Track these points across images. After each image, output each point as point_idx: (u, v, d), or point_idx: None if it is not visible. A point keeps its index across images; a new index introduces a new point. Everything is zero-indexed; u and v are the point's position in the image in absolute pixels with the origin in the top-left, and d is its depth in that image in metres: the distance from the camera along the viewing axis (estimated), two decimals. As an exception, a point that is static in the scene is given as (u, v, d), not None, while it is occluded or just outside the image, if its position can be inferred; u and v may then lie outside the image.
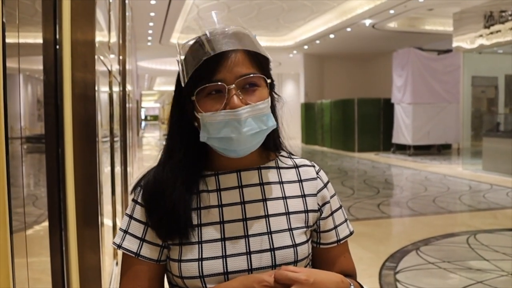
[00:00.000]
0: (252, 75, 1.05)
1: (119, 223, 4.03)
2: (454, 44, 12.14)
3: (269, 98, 1.10)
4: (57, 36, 1.69)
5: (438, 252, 5.02)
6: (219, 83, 1.03)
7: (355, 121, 17.17)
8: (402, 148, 16.07)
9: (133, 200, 1.14)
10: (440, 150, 16.19)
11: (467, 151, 12.71)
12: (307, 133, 21.19)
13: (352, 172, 12.17)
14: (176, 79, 1.13)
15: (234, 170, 1.14)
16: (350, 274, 1.23)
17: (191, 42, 1.09)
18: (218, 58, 1.04)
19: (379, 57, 21.68)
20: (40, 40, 1.50)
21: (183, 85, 1.08)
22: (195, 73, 1.05)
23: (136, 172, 11.21)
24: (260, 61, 1.09)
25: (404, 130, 15.55)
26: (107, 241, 2.53)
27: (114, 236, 3.38)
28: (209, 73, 1.04)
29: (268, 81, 1.10)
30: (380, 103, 17.29)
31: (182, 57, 1.10)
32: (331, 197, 1.21)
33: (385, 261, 4.74)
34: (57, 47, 1.70)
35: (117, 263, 3.35)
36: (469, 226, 6.33)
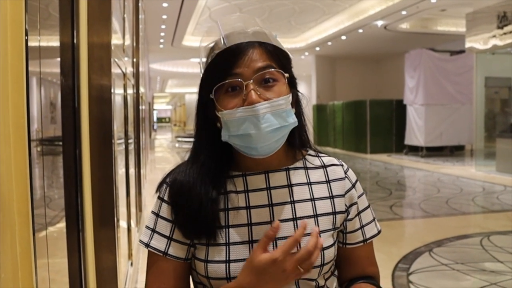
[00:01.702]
0: (269, 69, 1.04)
1: (133, 225, 4.07)
2: (467, 45, 12.05)
3: (290, 95, 1.08)
4: (75, 40, 1.71)
5: (451, 254, 4.99)
6: (237, 79, 1.03)
7: (367, 123, 17.10)
8: (414, 150, 15.98)
9: (159, 197, 1.14)
10: (453, 152, 16.07)
11: (480, 153, 12.60)
12: (319, 135, 21.13)
13: (365, 173, 12.13)
14: (200, 82, 1.12)
15: (262, 171, 1.13)
16: (373, 276, 1.23)
17: (211, 45, 1.09)
18: (235, 53, 1.03)
19: (391, 58, 21.58)
20: (53, 43, 1.52)
21: (200, 77, 1.08)
22: (212, 70, 1.05)
23: (149, 174, 11.24)
24: (279, 57, 1.08)
25: (416, 132, 15.46)
26: (123, 242, 2.56)
27: (129, 237, 3.41)
28: (226, 69, 1.03)
29: (286, 75, 1.08)
30: (392, 104, 17.21)
31: (204, 59, 1.10)
32: (359, 197, 1.19)
33: (398, 262, 4.73)
34: (74, 50, 1.73)
35: (131, 264, 3.38)
36: (482, 227, 6.28)
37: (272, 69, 1.05)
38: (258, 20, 1.13)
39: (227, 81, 1.03)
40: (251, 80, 1.02)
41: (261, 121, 1.01)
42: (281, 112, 1.04)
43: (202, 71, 1.09)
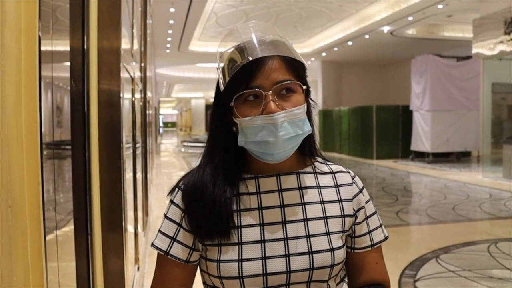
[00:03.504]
0: (288, 81, 1.09)
1: (140, 229, 4.08)
2: (474, 51, 12.02)
3: (305, 104, 1.13)
4: (85, 45, 1.72)
5: (458, 261, 4.97)
6: (257, 89, 1.07)
7: (373, 128, 17.07)
8: (421, 156, 15.93)
9: (170, 200, 1.19)
10: (460, 158, 16.02)
11: (487, 159, 12.55)
12: (325, 140, 21.12)
13: (371, 179, 12.11)
14: (216, 87, 1.17)
15: (274, 174, 1.17)
16: (381, 283, 1.24)
17: (230, 50, 1.13)
18: (256, 65, 1.07)
19: (397, 64, 21.57)
20: (61, 48, 1.53)
21: (221, 89, 1.12)
22: (233, 80, 1.09)
23: (155, 178, 11.26)
24: (296, 68, 1.12)
25: (423, 137, 15.42)
26: (130, 246, 2.56)
27: (136, 241, 3.41)
28: (247, 80, 1.08)
29: (304, 87, 1.13)
30: (399, 110, 17.18)
31: (222, 65, 1.14)
32: (366, 202, 1.22)
33: (405, 269, 4.71)
34: (84, 55, 1.74)
35: (138, 268, 3.39)
36: (489, 234, 6.26)
37: (291, 81, 1.09)
38: (277, 28, 1.16)
39: (247, 91, 1.08)
40: (270, 91, 1.07)
41: (279, 129, 1.06)
42: (297, 121, 1.09)
43: (220, 77, 1.13)
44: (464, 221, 7.07)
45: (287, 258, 1.09)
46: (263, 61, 1.08)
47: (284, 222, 1.13)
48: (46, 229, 1.14)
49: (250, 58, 1.07)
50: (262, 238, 1.11)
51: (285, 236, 1.11)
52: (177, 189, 1.18)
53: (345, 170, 1.25)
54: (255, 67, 1.07)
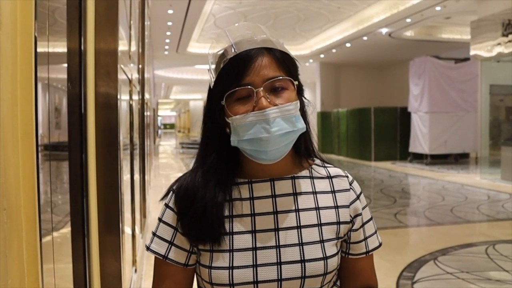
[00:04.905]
0: (279, 77, 1.07)
1: (137, 231, 4.07)
2: (472, 53, 12.04)
3: (298, 101, 1.11)
4: (82, 46, 1.72)
5: (456, 262, 4.97)
6: (248, 86, 1.05)
7: (372, 130, 17.08)
8: (419, 157, 15.93)
9: (165, 204, 1.17)
10: (458, 159, 16.02)
11: (485, 160, 12.55)
12: (323, 142, 21.12)
13: (369, 181, 12.10)
14: (208, 89, 1.15)
15: (268, 178, 1.14)
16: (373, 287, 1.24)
17: (221, 52, 1.11)
18: (246, 62, 1.06)
19: (395, 65, 21.58)
20: (58, 49, 1.53)
21: (211, 86, 1.11)
22: (224, 78, 1.07)
23: (153, 180, 11.25)
24: (287, 65, 1.11)
25: (421, 139, 15.43)
26: (127, 248, 2.55)
27: (133, 243, 3.40)
28: (237, 78, 1.06)
29: (295, 83, 1.11)
30: (397, 112, 17.19)
31: (213, 66, 1.12)
32: (363, 208, 1.20)
33: (403, 271, 4.71)
34: (81, 57, 1.73)
35: (135, 270, 3.38)
36: (488, 236, 6.25)
37: (282, 78, 1.08)
38: (264, 28, 1.14)
39: (238, 88, 1.06)
40: (261, 88, 1.05)
41: (272, 125, 1.03)
42: (290, 117, 1.06)
43: (212, 77, 1.12)
44: (462, 223, 7.07)
45: (279, 266, 1.07)
46: (253, 58, 1.06)
47: (276, 230, 1.10)
48: (43, 231, 1.13)
49: (237, 51, 1.06)
50: (254, 246, 1.09)
51: (277, 244, 1.09)
52: (171, 192, 1.16)
53: (343, 174, 1.22)
54: (245, 64, 1.06)
